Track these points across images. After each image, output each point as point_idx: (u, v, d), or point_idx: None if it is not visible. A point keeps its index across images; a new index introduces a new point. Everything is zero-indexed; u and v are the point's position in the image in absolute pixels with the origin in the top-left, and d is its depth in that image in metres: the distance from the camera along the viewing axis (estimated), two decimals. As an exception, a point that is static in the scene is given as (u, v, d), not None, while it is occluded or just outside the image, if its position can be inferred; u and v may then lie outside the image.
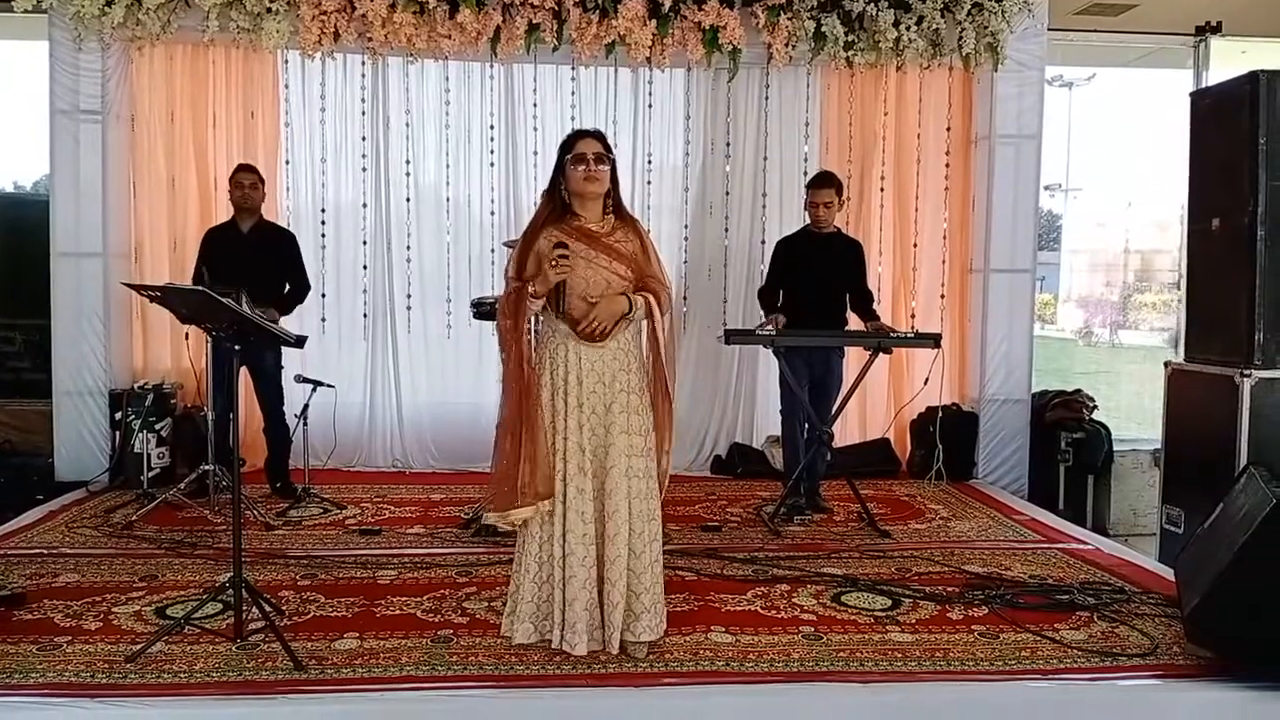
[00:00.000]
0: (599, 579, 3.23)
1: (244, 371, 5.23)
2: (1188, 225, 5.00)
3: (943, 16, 5.84)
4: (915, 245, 6.55)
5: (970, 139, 6.40)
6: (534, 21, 5.69)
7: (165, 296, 3.71)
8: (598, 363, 3.23)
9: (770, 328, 5.07)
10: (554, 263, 3.13)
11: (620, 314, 3.22)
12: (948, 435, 6.09)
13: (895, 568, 4.32)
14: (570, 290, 3.19)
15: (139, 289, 3.94)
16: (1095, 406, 6.31)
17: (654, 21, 5.72)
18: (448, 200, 6.44)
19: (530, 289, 3.18)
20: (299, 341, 3.81)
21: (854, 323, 5.47)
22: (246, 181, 5.35)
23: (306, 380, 5.30)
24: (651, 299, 3.27)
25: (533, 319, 3.35)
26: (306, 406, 5.31)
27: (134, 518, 4.88)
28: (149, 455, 5.50)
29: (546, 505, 3.20)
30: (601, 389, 3.23)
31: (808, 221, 5.39)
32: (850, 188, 6.16)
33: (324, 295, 6.27)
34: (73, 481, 5.63)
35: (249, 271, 4.95)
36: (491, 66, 6.26)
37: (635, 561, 3.23)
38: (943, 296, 6.54)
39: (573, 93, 6.38)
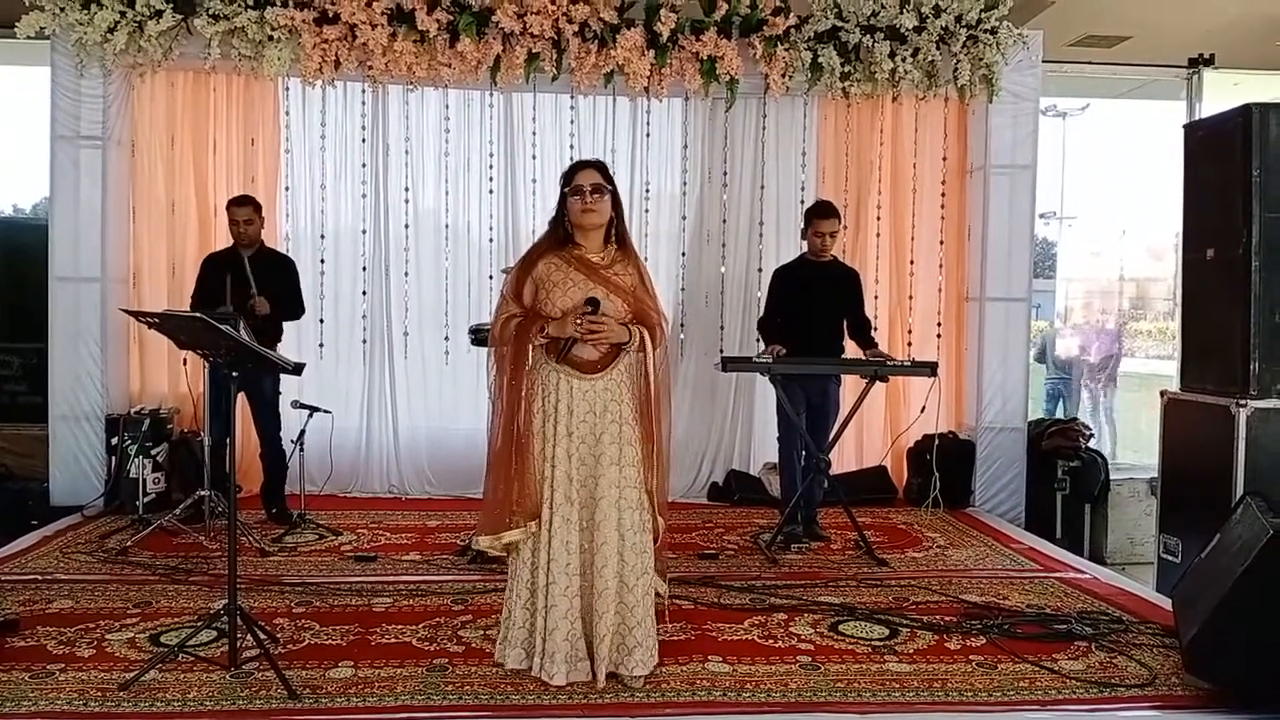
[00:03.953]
0: (587, 609, 3.21)
1: (241, 397, 5.22)
2: (1182, 255, 5.03)
3: (938, 48, 5.89)
4: (911, 274, 6.59)
5: (966, 169, 6.44)
6: (533, 51, 5.74)
7: (163, 323, 3.71)
8: (589, 392, 3.23)
9: (769, 358, 5.08)
10: (580, 322, 3.14)
11: (620, 340, 3.22)
12: (944, 463, 6.09)
13: (893, 597, 4.31)
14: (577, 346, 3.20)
15: (137, 315, 3.94)
16: (1092, 435, 6.32)
17: (652, 51, 5.77)
18: (446, 227, 6.47)
19: (543, 331, 3.18)
20: (297, 368, 3.81)
21: (851, 351, 5.48)
22: (241, 217, 5.35)
23: (303, 406, 5.30)
24: (646, 334, 3.27)
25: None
26: (303, 432, 5.31)
27: (129, 543, 4.86)
28: (145, 480, 5.48)
29: (533, 527, 3.19)
30: (592, 419, 3.22)
31: (805, 250, 5.42)
32: (846, 217, 6.20)
33: (322, 321, 6.29)
34: (68, 506, 5.61)
35: (249, 297, 4.96)
36: (491, 95, 6.31)
37: (629, 594, 3.21)
38: (939, 325, 6.56)
39: (572, 121, 6.42)
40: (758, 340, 6.30)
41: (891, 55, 5.87)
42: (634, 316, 3.28)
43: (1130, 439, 9.62)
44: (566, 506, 3.19)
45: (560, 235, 3.31)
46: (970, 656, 3.60)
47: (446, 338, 6.42)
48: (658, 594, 3.35)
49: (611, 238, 3.33)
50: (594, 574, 3.19)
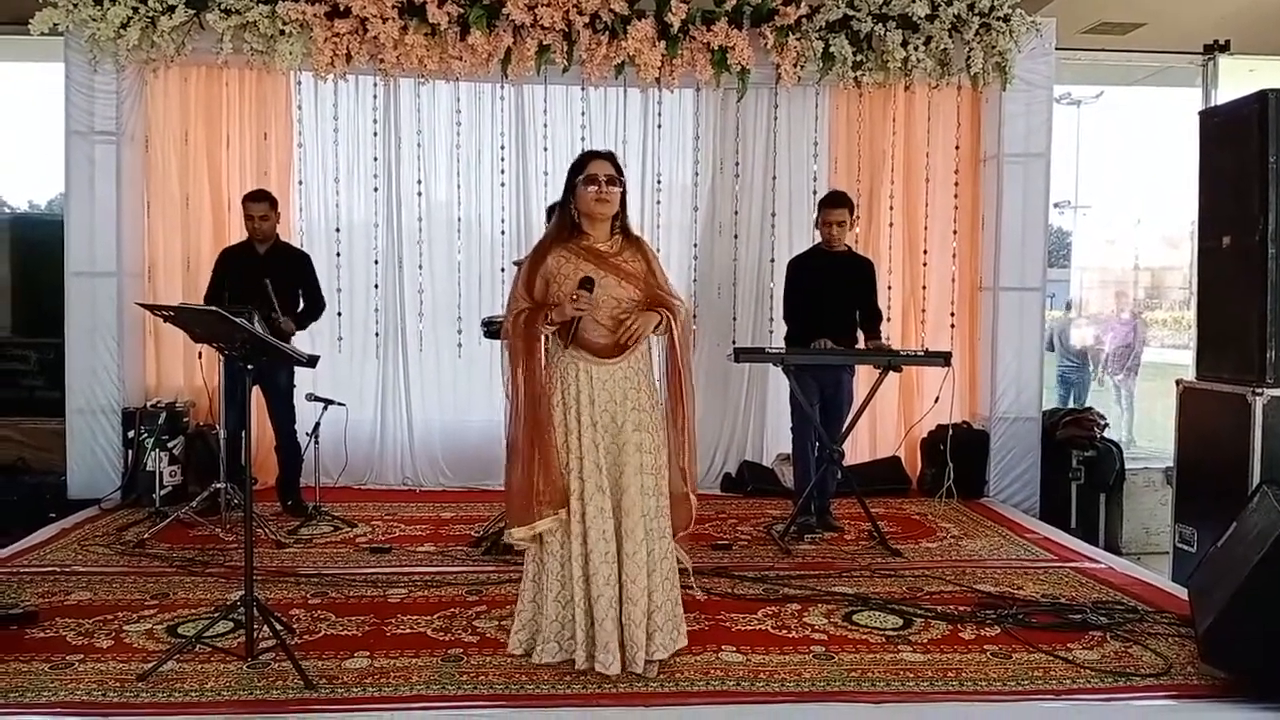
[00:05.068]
0: (619, 598, 3.23)
1: (256, 390, 5.24)
2: (1198, 243, 5.00)
3: (951, 36, 5.86)
4: (925, 264, 6.56)
5: (979, 157, 6.41)
6: (544, 43, 5.73)
7: (179, 316, 3.74)
8: (609, 381, 3.25)
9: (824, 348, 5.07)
10: (575, 298, 3.15)
11: (648, 329, 3.24)
12: (958, 453, 6.08)
13: (907, 587, 4.31)
14: (581, 325, 3.22)
15: (153, 309, 3.97)
16: (1106, 424, 6.29)
17: (663, 42, 5.76)
18: (459, 220, 6.48)
19: (547, 318, 3.20)
20: (311, 361, 3.82)
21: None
22: (257, 213, 5.37)
23: (318, 399, 5.32)
24: (670, 315, 3.29)
25: (544, 337, 3.37)
26: (318, 425, 5.33)
27: (146, 536, 4.90)
28: (161, 473, 5.52)
29: (563, 515, 3.21)
30: (614, 407, 3.24)
31: (818, 240, 5.40)
32: (859, 206, 6.18)
33: (339, 314, 6.31)
34: (85, 499, 5.65)
35: (264, 291, 4.99)
36: (502, 87, 6.31)
37: (649, 579, 3.23)
38: (952, 314, 6.54)
39: (583, 113, 6.42)
40: (771, 331, 6.32)
41: (904, 44, 5.84)
42: (649, 302, 3.29)
43: (1145, 428, 9.60)
44: (599, 496, 3.20)
45: (567, 225, 3.32)
46: (985, 646, 3.59)
47: (460, 330, 6.44)
48: (683, 571, 3.40)
49: (616, 228, 3.35)
50: (624, 560, 3.20)
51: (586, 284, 3.18)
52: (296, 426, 5.49)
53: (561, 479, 3.21)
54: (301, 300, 5.51)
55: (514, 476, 3.28)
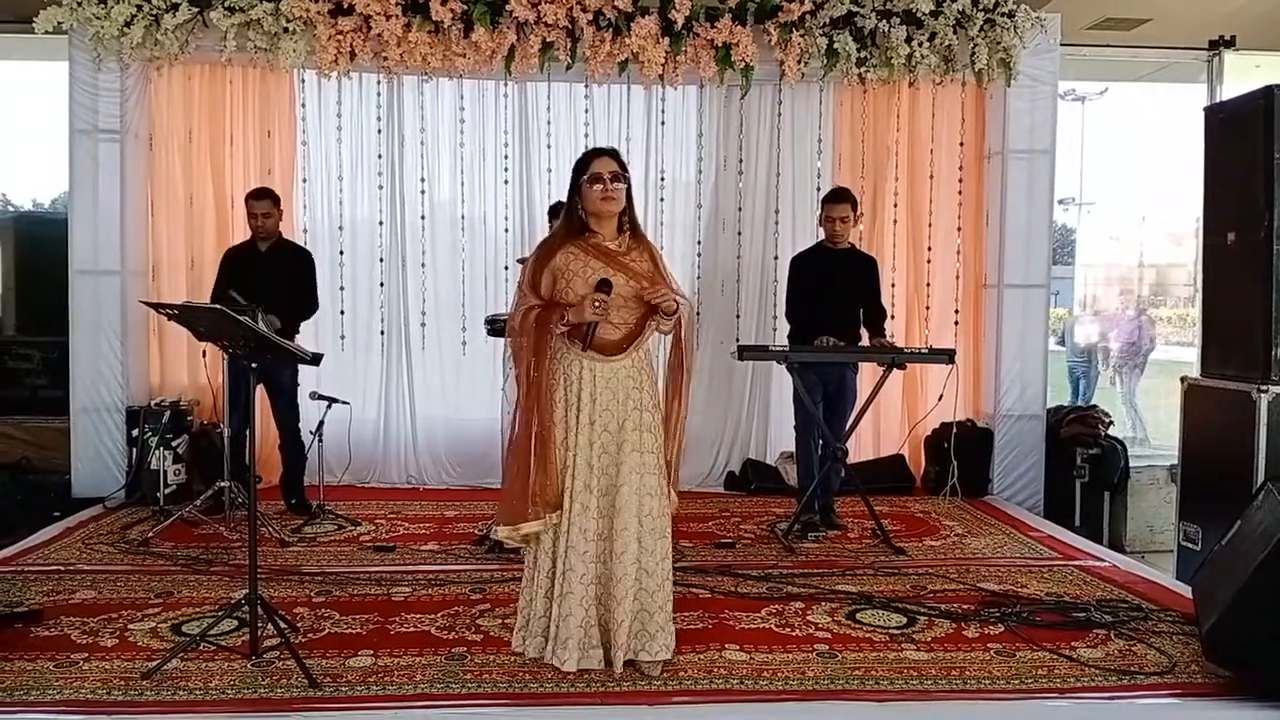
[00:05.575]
0: (606, 596, 3.23)
1: (260, 388, 5.25)
2: (1202, 240, 4.99)
3: (955, 32, 5.85)
4: (929, 261, 6.55)
5: (983, 154, 6.40)
6: (548, 40, 5.73)
7: (183, 314, 3.74)
8: (612, 380, 3.24)
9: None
10: (595, 303, 3.14)
11: (671, 308, 3.23)
12: (962, 451, 6.06)
13: (910, 585, 4.30)
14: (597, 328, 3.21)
15: (157, 307, 3.97)
16: (1111, 422, 6.28)
17: (667, 39, 5.75)
18: (462, 217, 6.48)
19: (563, 320, 3.18)
20: (315, 359, 3.82)
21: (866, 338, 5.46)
22: (260, 211, 5.37)
23: (322, 397, 5.32)
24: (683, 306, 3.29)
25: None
26: (322, 423, 5.33)
27: (150, 534, 4.90)
28: (165, 472, 5.53)
29: (554, 518, 3.20)
30: (615, 406, 3.23)
31: (822, 237, 5.40)
32: (863, 203, 6.17)
33: (343, 312, 6.31)
34: (89, 498, 5.66)
35: (267, 290, 4.99)
36: (505, 85, 6.31)
37: (648, 580, 3.22)
38: (956, 312, 6.52)
39: (586, 110, 6.42)
40: (775, 329, 6.31)
41: (908, 40, 5.83)
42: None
43: (1151, 426, 9.59)
44: (585, 494, 3.20)
45: (576, 224, 3.32)
46: (988, 644, 3.59)
47: (464, 328, 6.43)
48: None
49: (624, 225, 3.34)
50: (613, 560, 3.20)
51: (604, 287, 3.16)
52: (300, 425, 5.49)
53: (559, 480, 3.20)
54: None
55: (511, 474, 3.28)
